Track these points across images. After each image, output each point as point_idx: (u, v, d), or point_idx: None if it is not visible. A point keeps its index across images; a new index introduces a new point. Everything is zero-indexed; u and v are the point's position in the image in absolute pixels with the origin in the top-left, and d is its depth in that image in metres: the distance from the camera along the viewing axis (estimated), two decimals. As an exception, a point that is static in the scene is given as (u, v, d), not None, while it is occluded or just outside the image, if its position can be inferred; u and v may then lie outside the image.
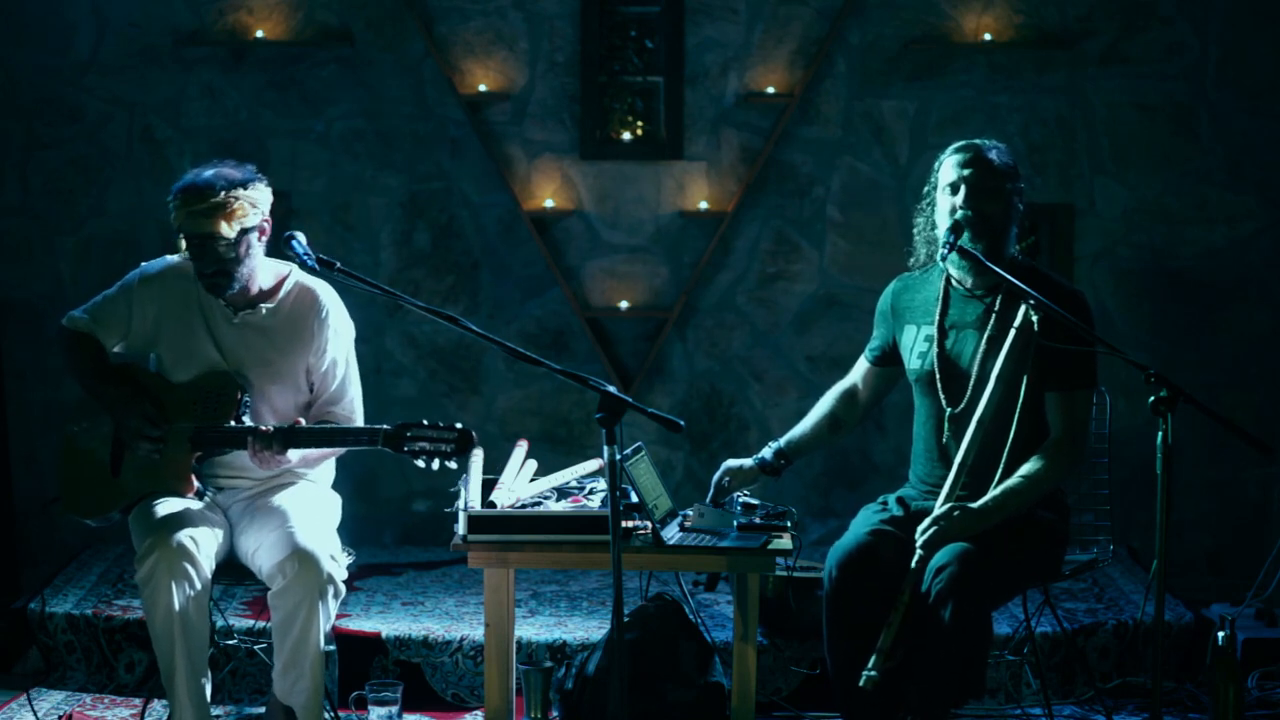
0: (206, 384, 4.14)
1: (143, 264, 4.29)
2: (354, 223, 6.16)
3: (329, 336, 4.23)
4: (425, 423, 3.96)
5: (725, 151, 6.15)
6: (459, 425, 3.95)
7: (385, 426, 3.99)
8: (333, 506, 4.33)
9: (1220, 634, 4.32)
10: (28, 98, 6.12)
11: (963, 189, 4.05)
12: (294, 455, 4.09)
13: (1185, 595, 5.37)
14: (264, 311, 4.19)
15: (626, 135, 6.18)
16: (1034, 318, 3.94)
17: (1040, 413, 4.06)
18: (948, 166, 4.11)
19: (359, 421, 4.30)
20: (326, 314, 4.23)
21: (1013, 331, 3.99)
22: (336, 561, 4.06)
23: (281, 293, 4.22)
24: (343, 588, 4.08)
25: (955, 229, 4.04)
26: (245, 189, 4.07)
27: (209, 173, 4.08)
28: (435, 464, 3.95)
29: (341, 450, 4.28)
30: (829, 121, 6.14)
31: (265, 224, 4.13)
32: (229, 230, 4.03)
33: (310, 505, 4.20)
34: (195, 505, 4.13)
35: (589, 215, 6.18)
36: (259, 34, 6.03)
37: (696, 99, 6.13)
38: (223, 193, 4.04)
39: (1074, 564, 4.30)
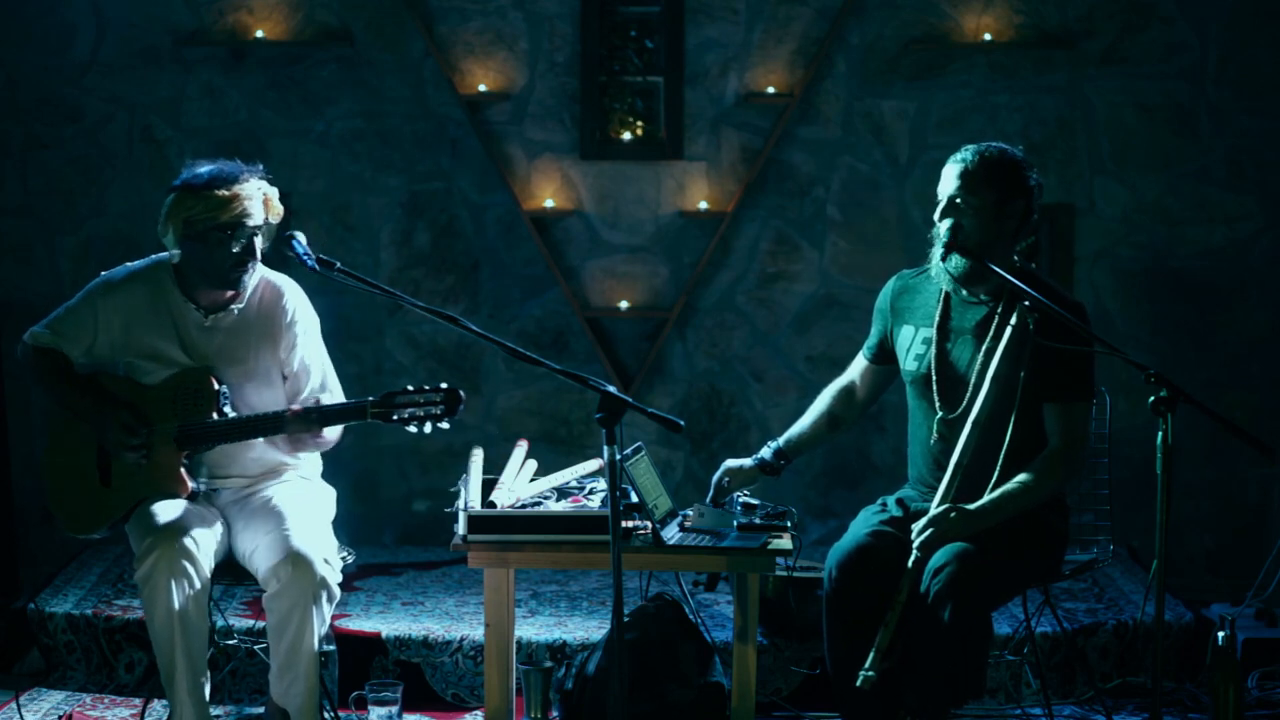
0: (181, 382, 4.11)
1: (103, 273, 4.23)
2: (354, 223, 6.16)
3: (297, 333, 4.21)
4: (410, 388, 3.96)
5: (725, 151, 6.14)
6: (444, 384, 3.96)
7: (370, 398, 3.98)
8: (326, 502, 4.32)
9: (1220, 634, 4.32)
10: (28, 98, 6.12)
11: (942, 202, 4.05)
12: (330, 433, 4.10)
13: (1185, 595, 5.37)
14: (235, 312, 4.17)
15: (626, 135, 6.18)
16: (1029, 320, 3.93)
17: (1039, 418, 4.05)
18: (943, 174, 4.08)
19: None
20: (293, 312, 4.21)
21: (1009, 330, 3.98)
22: (330, 565, 4.05)
23: (249, 291, 4.20)
24: (337, 591, 4.07)
25: (954, 231, 4.03)
26: (267, 182, 4.11)
27: (225, 165, 4.07)
28: (427, 427, 3.95)
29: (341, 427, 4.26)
30: (829, 121, 6.14)
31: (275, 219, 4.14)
32: (264, 217, 4.05)
33: (305, 504, 4.19)
34: (193, 505, 4.13)
35: (589, 215, 6.18)
36: (259, 34, 6.03)
37: (696, 99, 6.13)
38: (255, 179, 4.06)
39: (1074, 564, 4.30)
